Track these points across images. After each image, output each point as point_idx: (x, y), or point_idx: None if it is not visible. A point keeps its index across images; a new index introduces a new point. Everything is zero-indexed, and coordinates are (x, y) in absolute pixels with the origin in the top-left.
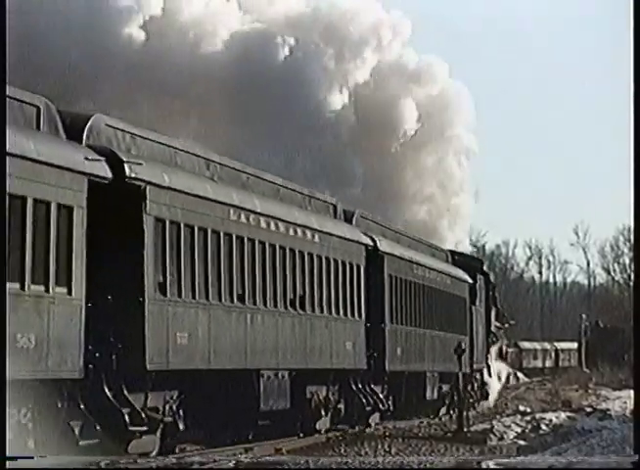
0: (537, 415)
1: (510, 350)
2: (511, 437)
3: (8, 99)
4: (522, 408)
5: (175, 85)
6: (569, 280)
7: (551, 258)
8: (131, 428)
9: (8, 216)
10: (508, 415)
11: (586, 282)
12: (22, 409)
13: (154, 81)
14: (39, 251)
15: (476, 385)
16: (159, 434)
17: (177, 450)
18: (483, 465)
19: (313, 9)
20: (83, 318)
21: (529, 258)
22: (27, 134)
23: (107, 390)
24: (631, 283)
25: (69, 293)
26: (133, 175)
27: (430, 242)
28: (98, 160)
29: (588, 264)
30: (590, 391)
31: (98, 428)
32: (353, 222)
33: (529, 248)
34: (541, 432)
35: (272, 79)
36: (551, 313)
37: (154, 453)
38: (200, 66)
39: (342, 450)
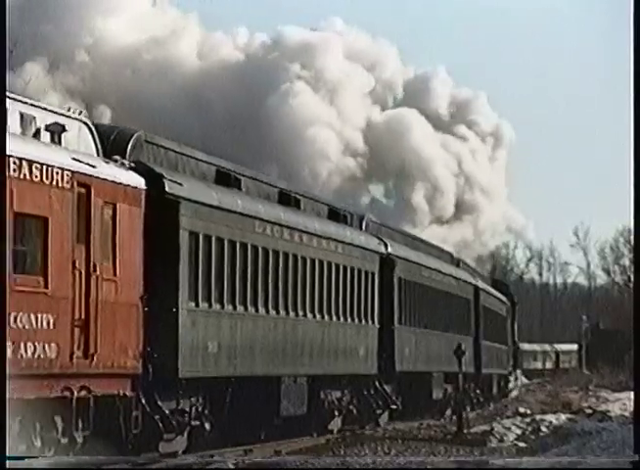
0: (537, 417)
1: None
2: (511, 438)
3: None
4: (522, 410)
5: None
6: (569, 282)
7: (551, 260)
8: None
9: (359, 284)
10: (508, 417)
11: (586, 284)
12: (346, 391)
13: None
14: (365, 300)
15: (506, 385)
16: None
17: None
18: (483, 466)
19: None
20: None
21: (529, 260)
22: (355, 232)
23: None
24: (631, 284)
25: (373, 322)
26: (391, 252)
27: (483, 273)
28: (381, 244)
29: (588, 266)
30: (590, 392)
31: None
32: (461, 265)
33: (529, 249)
34: (541, 433)
35: None
36: (551, 315)
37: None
38: None
39: (342, 452)
